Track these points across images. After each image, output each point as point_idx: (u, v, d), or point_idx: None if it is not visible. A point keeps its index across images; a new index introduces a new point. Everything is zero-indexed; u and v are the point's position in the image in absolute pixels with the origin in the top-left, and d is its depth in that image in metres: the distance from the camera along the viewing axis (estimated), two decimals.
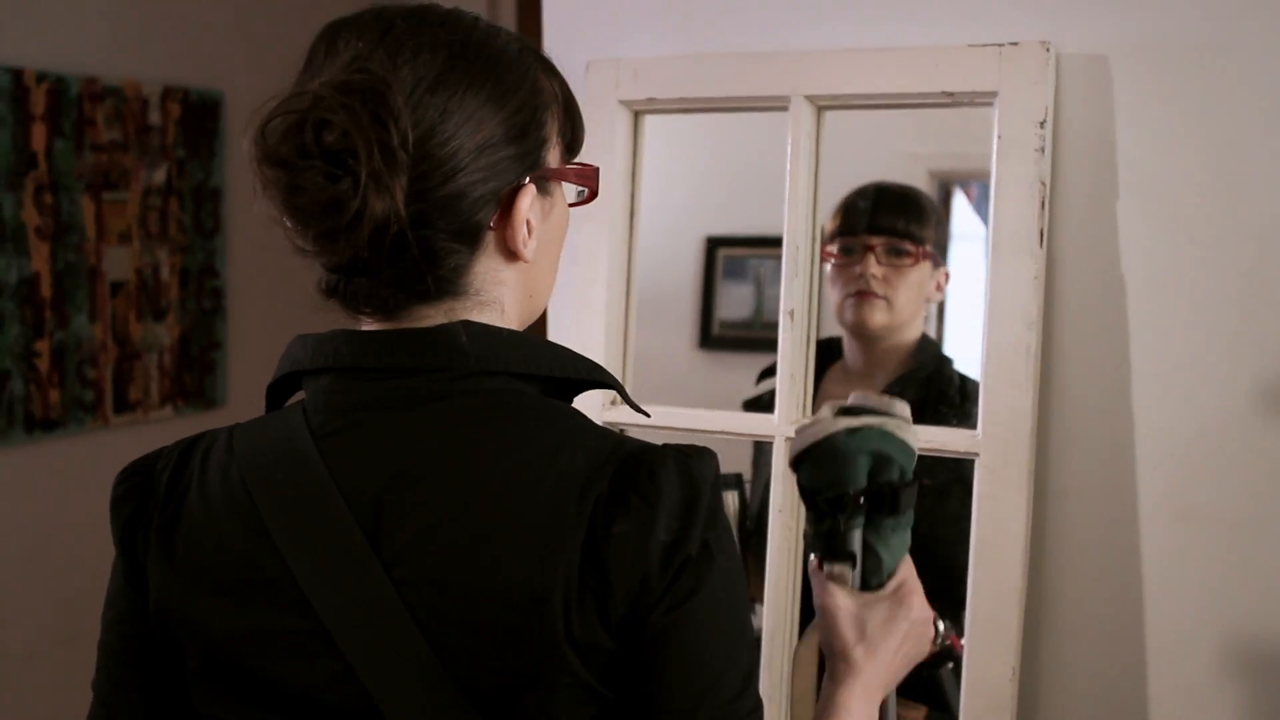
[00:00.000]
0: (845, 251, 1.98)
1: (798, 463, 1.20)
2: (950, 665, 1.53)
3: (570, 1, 1.92)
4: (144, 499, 1.14)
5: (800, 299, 1.71)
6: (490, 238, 1.08)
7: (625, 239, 1.82)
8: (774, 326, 1.72)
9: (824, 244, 2.00)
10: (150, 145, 3.21)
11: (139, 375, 3.22)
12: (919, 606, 1.22)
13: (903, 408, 1.20)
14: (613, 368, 1.81)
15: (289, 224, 1.05)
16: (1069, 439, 1.63)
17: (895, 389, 1.91)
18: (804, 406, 1.73)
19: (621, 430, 1.77)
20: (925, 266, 1.97)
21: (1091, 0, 1.59)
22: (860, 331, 1.98)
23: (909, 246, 1.96)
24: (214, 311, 3.42)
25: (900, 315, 1.98)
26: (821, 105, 1.70)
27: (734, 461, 2.01)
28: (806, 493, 1.21)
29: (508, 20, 4.06)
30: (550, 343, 1.12)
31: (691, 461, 1.04)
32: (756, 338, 2.14)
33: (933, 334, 2.02)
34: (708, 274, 2.20)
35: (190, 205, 3.33)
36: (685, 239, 2.17)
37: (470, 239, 1.07)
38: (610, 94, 1.79)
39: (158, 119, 3.23)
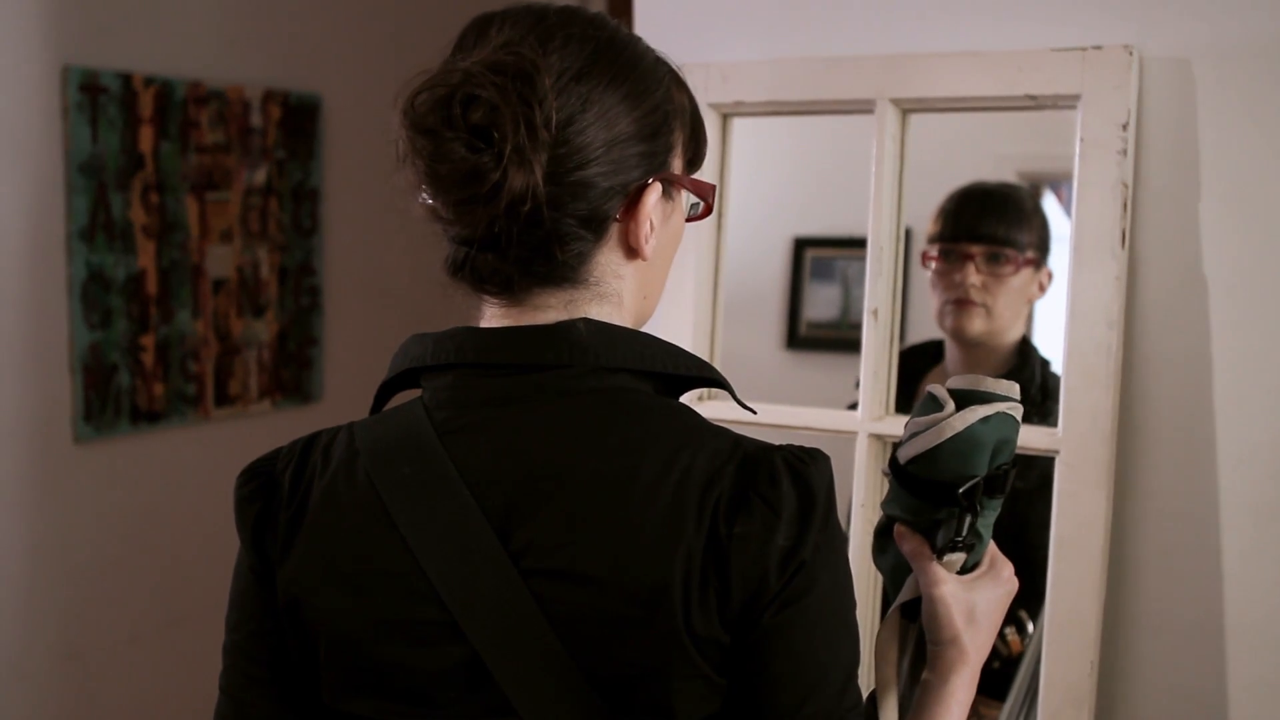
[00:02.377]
0: (945, 256, 1.98)
1: (929, 456, 1.18)
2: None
3: (661, 7, 1.95)
4: (269, 498, 1.16)
5: (884, 298, 1.73)
6: (614, 230, 1.12)
7: (714, 240, 1.86)
8: (860, 326, 1.75)
9: (926, 246, 2.01)
10: (251, 147, 3.29)
11: (239, 370, 3.30)
12: (1009, 575, 1.23)
13: (1014, 388, 1.21)
14: None
15: (428, 193, 1.08)
16: (1150, 438, 1.64)
17: None
18: (888, 404, 1.75)
19: None
20: (1026, 272, 1.98)
21: (1175, 3, 1.60)
22: (959, 337, 2.00)
23: (1009, 253, 1.96)
24: (311, 309, 3.49)
25: (999, 321, 1.99)
26: (906, 108, 1.73)
27: None
28: (930, 484, 1.19)
29: None
30: (662, 340, 1.15)
31: (810, 467, 1.07)
32: (843, 338, 2.16)
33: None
34: (795, 274, 2.22)
35: (289, 205, 3.41)
36: (773, 240, 2.19)
37: (596, 228, 1.11)
38: (699, 97, 1.83)
39: (259, 121, 3.31)
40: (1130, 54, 1.57)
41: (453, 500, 1.09)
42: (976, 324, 1.99)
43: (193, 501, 3.22)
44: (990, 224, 1.97)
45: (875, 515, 1.74)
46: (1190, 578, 1.64)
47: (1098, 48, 1.59)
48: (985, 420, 1.18)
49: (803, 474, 1.07)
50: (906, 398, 1.81)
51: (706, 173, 1.83)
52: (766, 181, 2.05)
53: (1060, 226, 1.99)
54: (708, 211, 1.25)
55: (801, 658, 1.07)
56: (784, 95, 1.78)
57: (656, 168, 1.14)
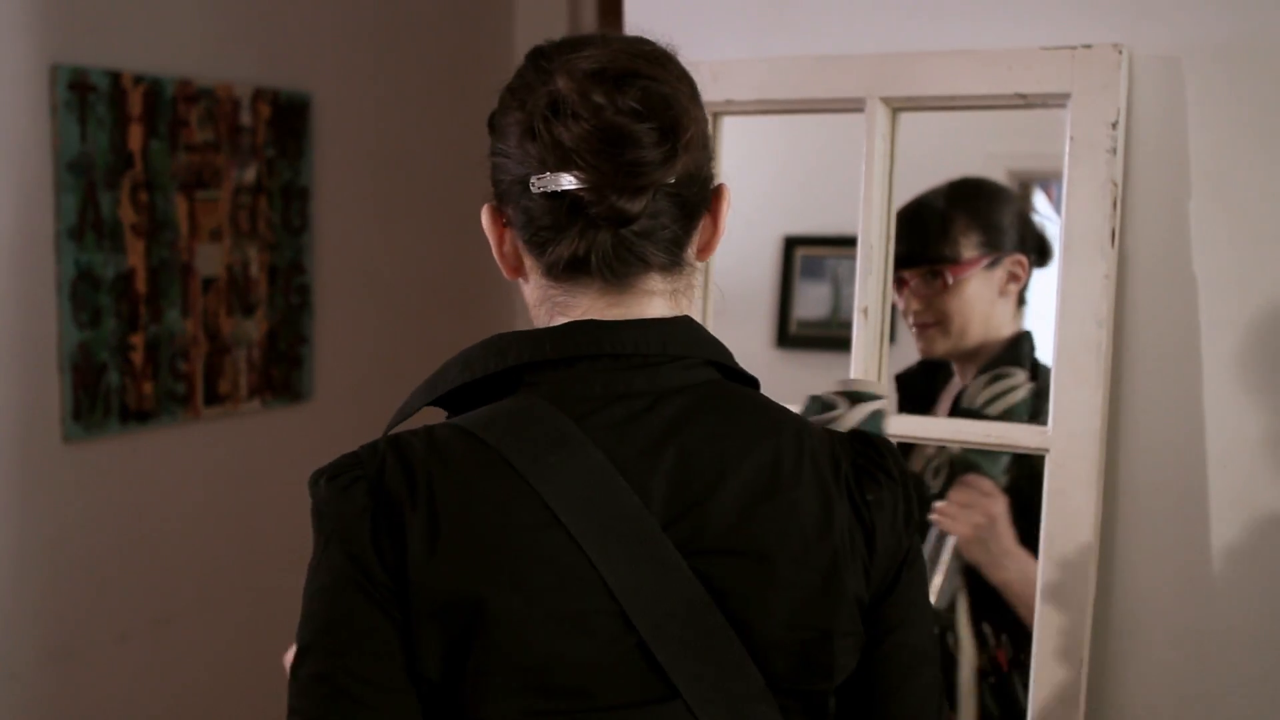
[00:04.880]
0: (897, 285, 1.95)
1: None
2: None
3: (650, 5, 1.95)
4: (380, 502, 1.10)
5: (874, 297, 1.73)
6: (701, 225, 1.21)
7: None
8: (850, 325, 1.75)
9: None
10: (241, 145, 3.29)
11: (229, 369, 3.30)
12: None
13: (880, 386, 1.47)
14: None
15: (583, 162, 1.10)
16: (1140, 436, 1.64)
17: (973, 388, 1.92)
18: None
19: None
20: (975, 275, 1.95)
21: (1164, 3, 1.60)
22: (928, 357, 1.98)
23: (940, 268, 1.93)
24: (301, 307, 3.49)
25: (964, 331, 1.96)
26: (896, 107, 1.73)
27: None
28: None
29: (588, 25, 4.09)
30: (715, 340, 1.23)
31: (884, 442, 1.22)
32: (833, 336, 2.16)
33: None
34: (785, 273, 2.22)
35: (279, 204, 3.40)
36: (763, 238, 2.19)
37: (696, 221, 1.20)
38: None
39: (248, 120, 3.30)
40: (1120, 53, 1.58)
41: (611, 489, 1.11)
42: (938, 344, 1.96)
43: (182, 501, 3.21)
44: (913, 244, 1.91)
45: None
46: (1179, 576, 1.64)
47: (1087, 46, 1.59)
48: (871, 415, 1.41)
49: (887, 448, 1.21)
50: (924, 411, 1.82)
51: None
52: (757, 180, 2.05)
53: (1050, 222, 1.99)
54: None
55: (923, 606, 1.22)
56: (774, 94, 1.79)
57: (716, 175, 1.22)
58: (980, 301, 1.95)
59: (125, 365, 3.03)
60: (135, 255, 3.03)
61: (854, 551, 1.15)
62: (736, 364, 1.21)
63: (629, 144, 1.09)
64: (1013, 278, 1.94)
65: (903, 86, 1.70)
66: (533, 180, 1.12)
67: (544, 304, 1.19)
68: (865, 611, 1.17)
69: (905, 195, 1.80)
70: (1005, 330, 1.96)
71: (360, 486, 1.11)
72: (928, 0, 1.75)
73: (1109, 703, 1.68)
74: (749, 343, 2.18)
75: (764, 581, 1.11)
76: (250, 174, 3.31)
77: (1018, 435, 1.69)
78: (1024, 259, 1.94)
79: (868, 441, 1.20)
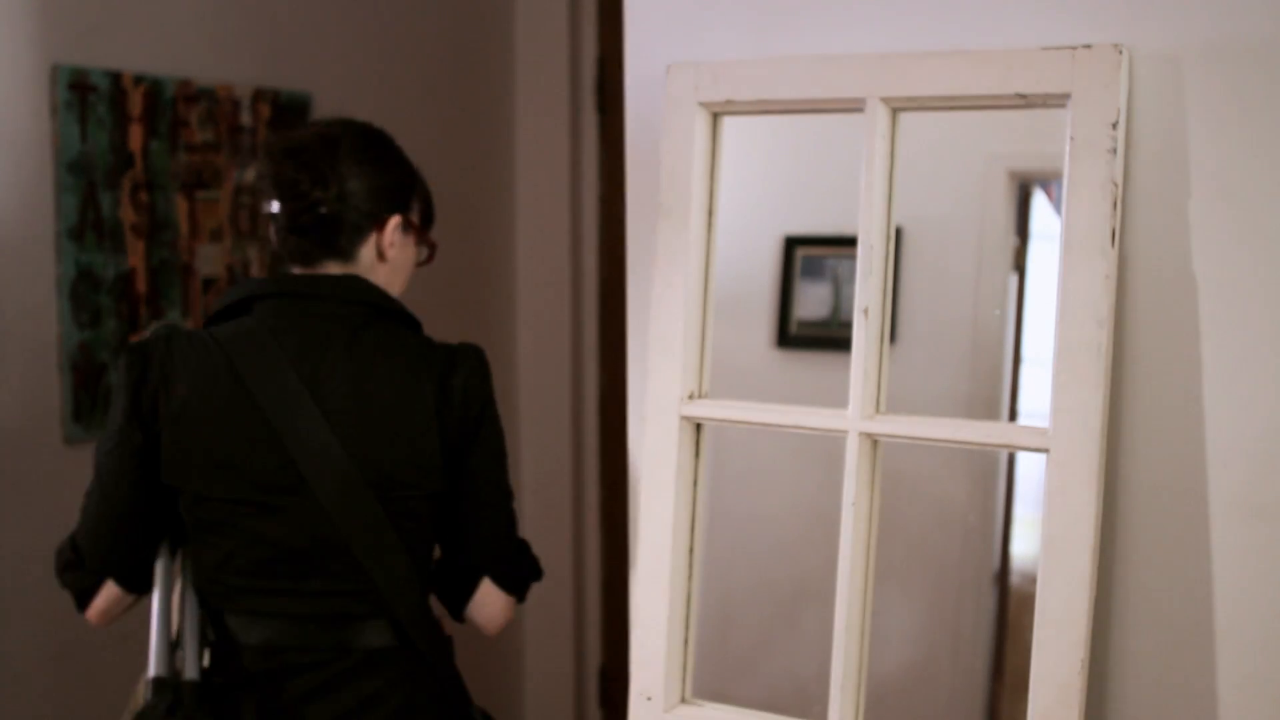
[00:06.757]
0: None
1: None
2: None
3: (651, 6, 1.95)
4: (143, 369, 2.03)
5: (875, 297, 1.73)
6: (371, 238, 2.14)
7: (703, 239, 1.86)
8: (851, 325, 1.75)
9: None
10: (241, 145, 3.29)
11: None
12: None
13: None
14: (690, 365, 1.85)
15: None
16: (1140, 436, 1.65)
17: None
18: (879, 403, 1.75)
19: (699, 423, 1.83)
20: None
21: (1165, 2, 1.60)
22: None
23: None
24: None
25: None
26: (896, 107, 1.73)
27: (807, 456, 2.03)
28: None
29: (588, 26, 4.09)
30: (384, 293, 2.11)
31: (477, 352, 2.10)
32: (834, 336, 2.16)
33: (1012, 332, 2.02)
34: (786, 273, 2.22)
35: None
36: (764, 239, 2.19)
37: (360, 233, 2.13)
38: (690, 96, 1.83)
39: (249, 120, 3.31)
40: (1120, 53, 1.58)
41: (280, 371, 2.00)
42: None
43: None
44: None
45: (866, 514, 1.74)
46: (1179, 575, 1.64)
47: (1088, 46, 1.59)
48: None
49: (479, 353, 2.14)
50: None
51: (695, 171, 1.84)
52: (756, 180, 2.05)
53: (1051, 225, 1.99)
54: (430, 259, 2.28)
55: (493, 454, 2.10)
56: (774, 94, 1.79)
57: (395, 210, 2.16)
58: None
59: None
60: (135, 255, 3.03)
61: (439, 415, 2.03)
62: (381, 302, 2.08)
63: (291, 197, 2.13)
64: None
65: (903, 86, 1.70)
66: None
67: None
68: (445, 452, 2.04)
69: (906, 196, 1.80)
70: None
71: (134, 358, 2.04)
72: (928, 0, 1.75)
73: (1109, 703, 1.68)
74: (749, 343, 2.18)
75: (365, 433, 2.00)
76: (250, 174, 3.31)
77: (1018, 435, 1.69)
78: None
79: (457, 349, 2.08)
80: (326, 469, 1.96)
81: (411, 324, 2.10)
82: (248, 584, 2.01)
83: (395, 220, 2.12)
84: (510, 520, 2.13)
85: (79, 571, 2.11)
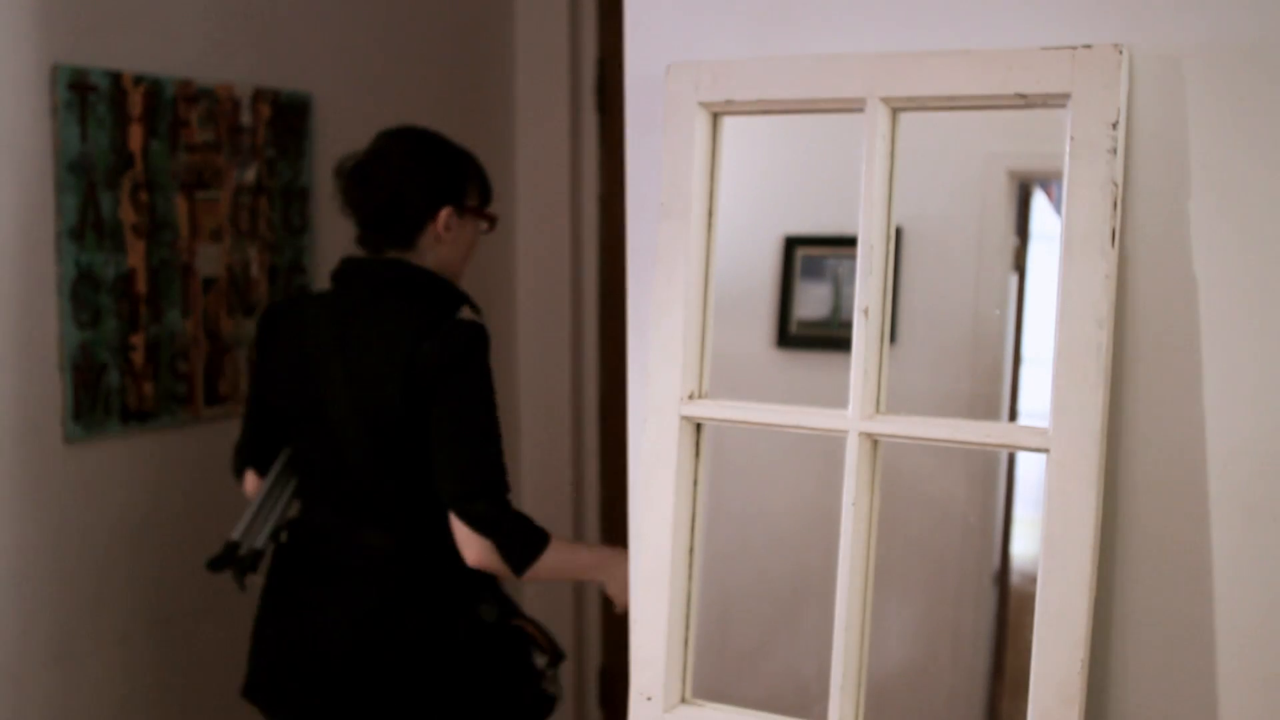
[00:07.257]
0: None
1: None
2: None
3: (651, 6, 1.95)
4: (265, 323, 2.77)
5: (875, 297, 1.73)
6: (429, 226, 2.68)
7: (704, 238, 1.86)
8: (851, 325, 1.75)
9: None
10: (241, 145, 3.29)
11: (229, 369, 3.30)
12: None
13: None
14: (690, 365, 1.85)
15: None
16: (1140, 436, 1.64)
17: None
18: (879, 403, 1.75)
19: (699, 423, 1.83)
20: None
21: (1165, 2, 1.60)
22: None
23: None
24: None
25: None
26: (896, 107, 1.73)
27: (807, 456, 2.03)
28: None
29: (588, 26, 4.09)
30: (430, 274, 2.67)
31: (464, 325, 2.58)
32: (834, 336, 2.16)
33: (1012, 332, 2.02)
34: (786, 273, 2.22)
35: (279, 204, 3.41)
36: (764, 238, 2.18)
37: (418, 222, 2.69)
38: (690, 96, 1.83)
39: (249, 120, 3.31)
40: (1120, 53, 1.58)
41: (324, 329, 2.63)
42: None
43: (183, 501, 3.21)
44: None
45: (866, 514, 1.74)
46: (1180, 575, 1.64)
47: (1088, 46, 1.59)
48: None
49: (464, 326, 2.62)
50: None
51: (695, 170, 1.84)
52: (756, 180, 2.05)
53: (1051, 225, 1.98)
54: (491, 229, 2.80)
55: (457, 410, 2.56)
56: (774, 94, 1.79)
57: (446, 201, 2.67)
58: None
59: (126, 365, 3.03)
60: (135, 255, 3.04)
61: (410, 371, 2.52)
62: (424, 282, 2.64)
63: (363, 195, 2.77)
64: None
65: (903, 86, 1.70)
66: None
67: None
68: (407, 400, 2.54)
69: (906, 196, 1.80)
70: None
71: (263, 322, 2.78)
72: (928, 0, 1.75)
73: (1109, 702, 1.68)
74: (749, 343, 2.18)
75: (367, 384, 2.56)
76: (250, 174, 3.32)
77: (1018, 435, 1.69)
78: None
79: (442, 319, 2.57)
80: (336, 404, 2.58)
81: (441, 299, 2.63)
82: (305, 484, 2.75)
83: (447, 210, 2.64)
84: (472, 461, 2.54)
85: (235, 460, 2.91)
